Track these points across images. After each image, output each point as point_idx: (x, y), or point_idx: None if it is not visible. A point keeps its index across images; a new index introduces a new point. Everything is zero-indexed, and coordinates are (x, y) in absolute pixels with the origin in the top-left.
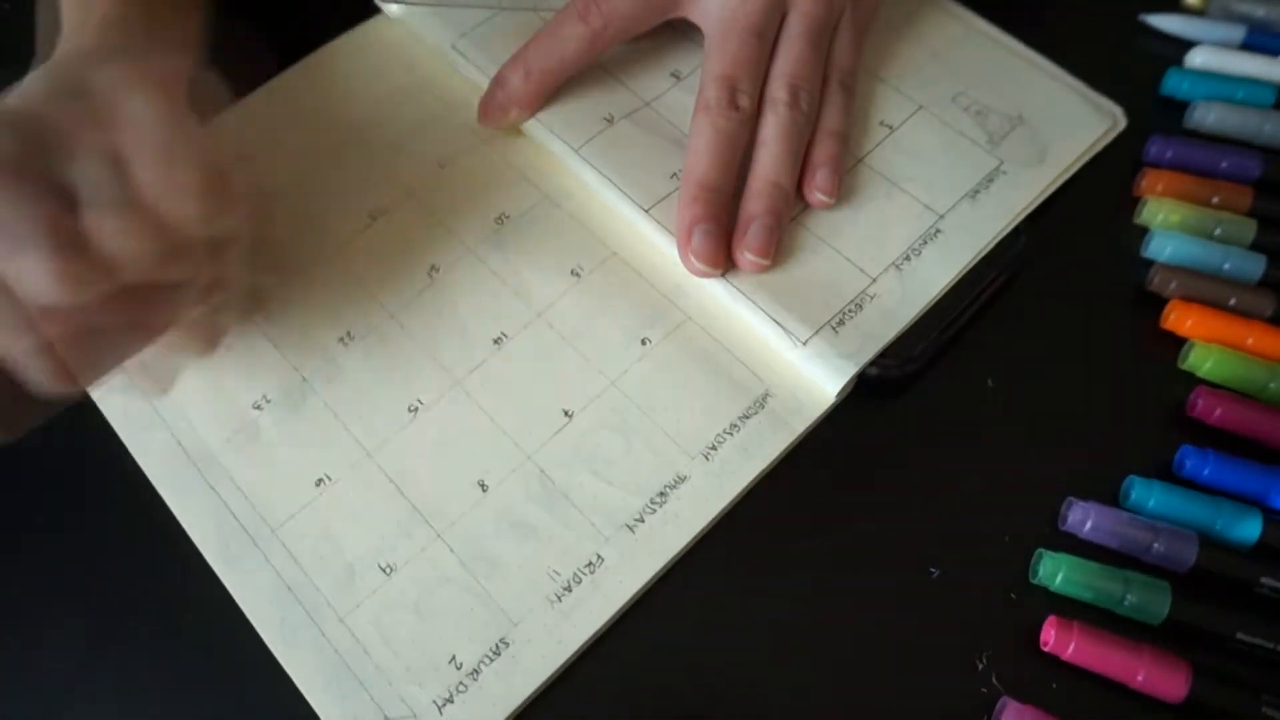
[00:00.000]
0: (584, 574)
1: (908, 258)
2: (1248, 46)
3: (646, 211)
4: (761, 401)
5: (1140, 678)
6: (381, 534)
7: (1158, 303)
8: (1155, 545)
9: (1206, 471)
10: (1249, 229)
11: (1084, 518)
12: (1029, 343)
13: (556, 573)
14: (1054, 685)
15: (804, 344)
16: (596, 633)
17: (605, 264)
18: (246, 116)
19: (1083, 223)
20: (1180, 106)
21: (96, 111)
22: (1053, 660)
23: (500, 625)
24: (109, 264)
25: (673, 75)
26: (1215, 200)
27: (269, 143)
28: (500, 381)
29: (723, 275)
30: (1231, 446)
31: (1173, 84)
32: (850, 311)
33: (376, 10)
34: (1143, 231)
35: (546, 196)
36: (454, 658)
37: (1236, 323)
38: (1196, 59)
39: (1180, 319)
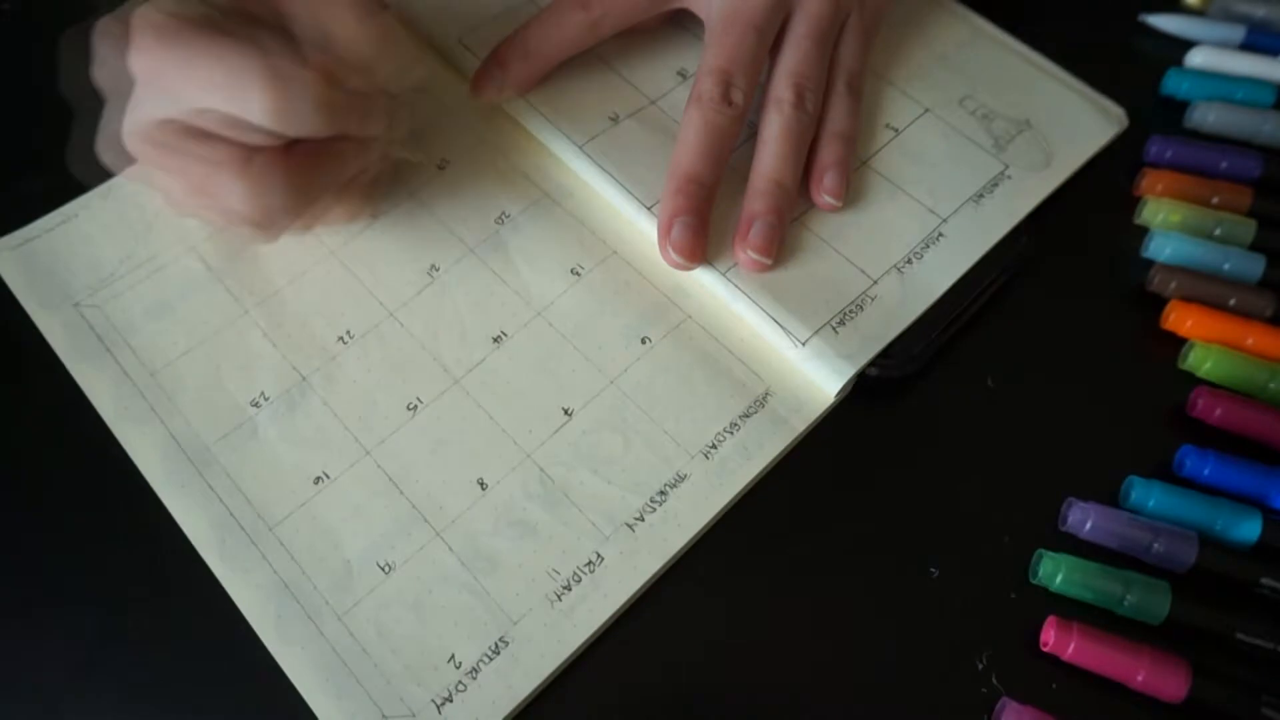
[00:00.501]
0: (584, 573)
1: (909, 260)
2: (1248, 46)
3: (649, 209)
4: (762, 401)
5: (1140, 678)
6: (380, 532)
7: (1158, 303)
8: (1155, 545)
9: (1206, 471)
10: (1249, 229)
11: (1084, 518)
12: (1029, 343)
13: (556, 571)
14: (1054, 685)
15: (803, 344)
16: (596, 632)
17: (606, 263)
18: None
19: (1083, 223)
20: (1180, 106)
21: None
22: (1053, 660)
23: (500, 624)
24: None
25: (679, 74)
26: (1215, 200)
27: None
28: (500, 380)
29: (699, 267)
30: (1231, 446)
31: (1173, 84)
32: (851, 312)
33: None
34: (1143, 231)
35: (547, 195)
36: (453, 657)
37: (1236, 323)
38: (1196, 59)
39: (1180, 319)
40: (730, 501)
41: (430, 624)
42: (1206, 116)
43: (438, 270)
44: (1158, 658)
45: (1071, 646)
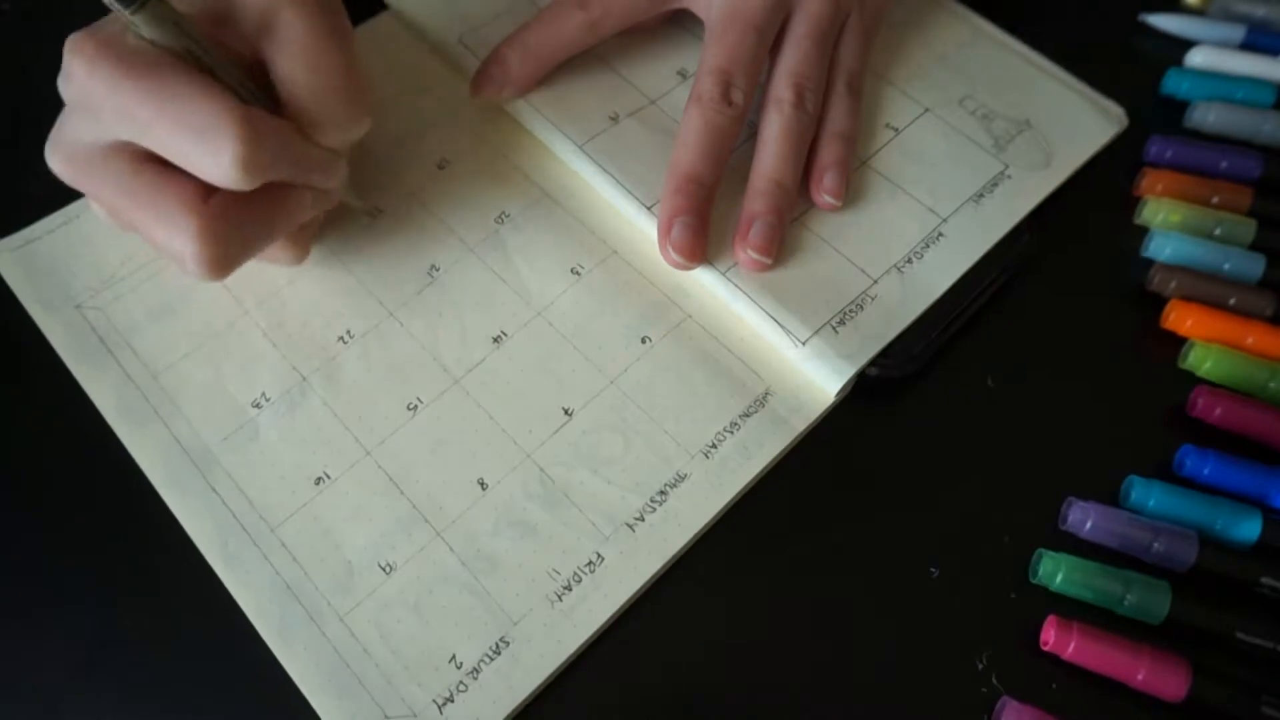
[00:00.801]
0: (584, 573)
1: (910, 260)
2: (1248, 46)
3: (649, 209)
4: (762, 400)
5: (1140, 677)
6: (381, 532)
7: (1158, 303)
8: (1155, 545)
9: (1206, 471)
10: (1249, 229)
11: (1084, 518)
12: (1029, 343)
13: (556, 572)
14: (1054, 685)
15: (803, 344)
16: (596, 632)
17: (606, 263)
18: None
19: (1083, 223)
20: (1180, 106)
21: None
22: (1053, 660)
23: (500, 624)
24: (284, 154)
25: (679, 74)
26: (1215, 200)
27: None
28: (500, 380)
29: (699, 267)
30: (1231, 446)
31: (1173, 84)
32: (851, 312)
33: (376, 11)
34: (1143, 231)
35: (547, 194)
36: (454, 657)
37: (1236, 322)
38: (1196, 59)
39: (1180, 319)
40: (730, 501)
41: (431, 624)
42: (1206, 116)
43: (438, 270)
44: (1158, 657)
45: (1071, 646)
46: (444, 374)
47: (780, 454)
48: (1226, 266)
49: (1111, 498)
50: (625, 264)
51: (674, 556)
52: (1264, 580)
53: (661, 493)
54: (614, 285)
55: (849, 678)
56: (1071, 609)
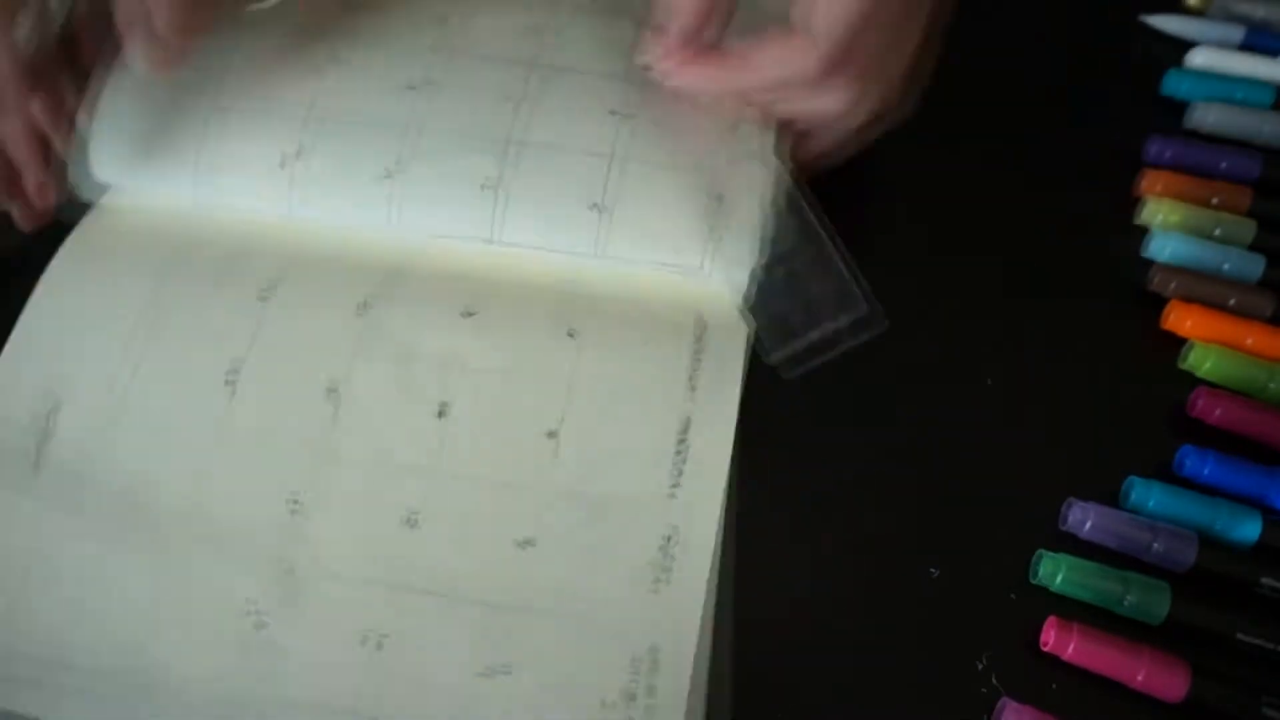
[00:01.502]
0: (670, 549)
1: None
2: (1247, 47)
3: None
4: (700, 331)
5: (1140, 678)
6: (479, 643)
7: (1158, 303)
8: (1155, 545)
9: (1206, 471)
10: (1249, 229)
11: (1084, 518)
12: (1029, 342)
13: (644, 564)
14: (1054, 685)
15: (703, 269)
16: (709, 589)
17: (499, 294)
18: None
19: (1083, 223)
20: (1180, 107)
21: None
22: (1053, 660)
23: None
24: None
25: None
26: (1215, 201)
27: None
28: (472, 445)
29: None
30: (1231, 446)
31: (1173, 84)
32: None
33: None
34: (1143, 231)
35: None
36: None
37: (1236, 323)
38: (1196, 59)
39: (1180, 319)
40: (734, 423)
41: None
42: (1206, 117)
43: (336, 391)
44: (1158, 658)
45: (1071, 646)
46: (416, 474)
47: (746, 360)
48: (1226, 267)
49: (1111, 498)
50: (516, 285)
51: (726, 487)
52: (1264, 580)
53: (682, 441)
54: (511, 309)
55: (849, 677)
56: (1071, 609)
